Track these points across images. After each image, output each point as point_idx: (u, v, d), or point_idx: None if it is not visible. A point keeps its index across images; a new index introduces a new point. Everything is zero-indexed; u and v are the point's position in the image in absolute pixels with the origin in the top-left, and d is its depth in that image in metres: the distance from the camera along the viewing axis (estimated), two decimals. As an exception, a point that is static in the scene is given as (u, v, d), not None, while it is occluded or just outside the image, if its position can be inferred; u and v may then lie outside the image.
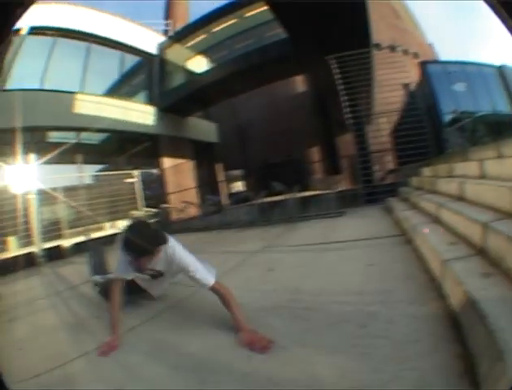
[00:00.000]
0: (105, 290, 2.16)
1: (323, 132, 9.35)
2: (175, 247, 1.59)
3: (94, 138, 8.11)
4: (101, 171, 7.87)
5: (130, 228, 1.54)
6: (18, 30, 6.83)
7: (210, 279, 1.47)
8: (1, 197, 5.19)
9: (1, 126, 5.69)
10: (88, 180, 7.32)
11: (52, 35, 7.63)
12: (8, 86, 6.48)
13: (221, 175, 9.57)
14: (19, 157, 5.74)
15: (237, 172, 10.01)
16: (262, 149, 9.76)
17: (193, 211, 6.52)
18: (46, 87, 7.12)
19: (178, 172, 7.71)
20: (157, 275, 1.73)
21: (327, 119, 9.12)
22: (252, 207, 5.22)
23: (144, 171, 7.55)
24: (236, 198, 5.51)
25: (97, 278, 2.57)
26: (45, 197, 5.69)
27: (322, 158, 8.77)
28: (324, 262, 2.16)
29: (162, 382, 1.09)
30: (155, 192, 7.56)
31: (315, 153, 9.35)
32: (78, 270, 3.65)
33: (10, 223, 5.13)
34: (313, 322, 1.28)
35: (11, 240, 5.29)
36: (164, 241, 1.54)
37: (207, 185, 8.28)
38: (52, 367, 1.34)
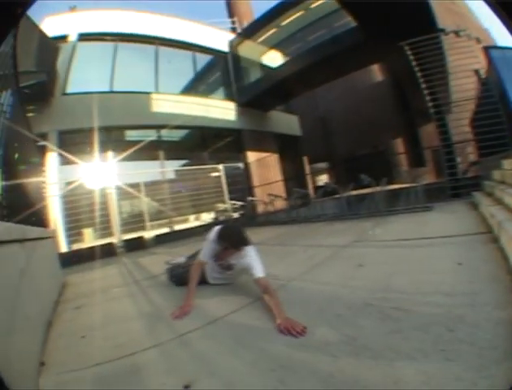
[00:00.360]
0: (175, 276, 2.68)
1: (405, 122, 8.64)
2: (252, 250, 1.98)
3: (175, 135, 8.42)
4: (184, 166, 8.15)
5: (230, 226, 2.05)
6: (65, 37, 7.24)
7: (260, 273, 1.83)
8: (81, 192, 5.65)
9: (79, 126, 6.21)
10: (171, 175, 7.60)
11: (113, 40, 7.97)
12: (70, 90, 6.83)
13: (306, 168, 9.57)
14: (100, 155, 6.22)
15: (323, 165, 9.85)
16: (346, 141, 9.44)
17: (279, 204, 6.68)
18: (116, 89, 7.40)
19: (262, 166, 7.85)
20: (228, 267, 2.18)
21: (408, 109, 8.42)
22: (339, 200, 5.19)
23: (228, 164, 7.73)
24: (323, 191, 5.53)
25: (169, 264, 3.09)
26: (128, 192, 6.01)
27: (406, 150, 8.07)
28: (414, 258, 2.10)
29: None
30: (240, 185, 7.75)
31: (399, 145, 8.66)
32: (157, 261, 3.97)
33: (88, 217, 5.64)
34: (402, 324, 1.28)
35: (88, 232, 5.85)
36: (249, 244, 1.98)
37: (293, 179, 8.30)
38: (112, 358, 1.43)
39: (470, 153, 4.71)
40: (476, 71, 4.57)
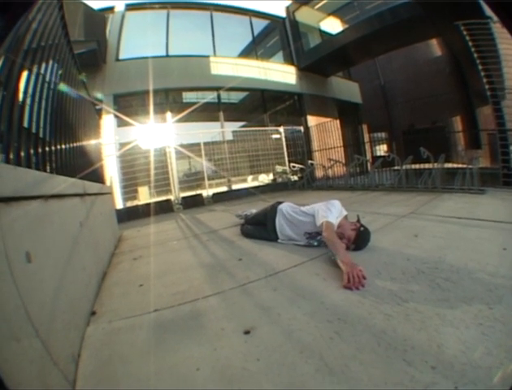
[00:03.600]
0: (250, 221, 2.87)
1: (463, 101, 7.83)
2: None
3: (234, 97, 8.32)
4: (245, 127, 7.88)
5: (368, 232, 2.10)
6: (111, 8, 6.95)
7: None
8: (138, 152, 5.59)
9: (134, 89, 6.19)
10: (231, 136, 7.37)
11: (163, 7, 7.70)
12: (123, 56, 6.66)
13: (366, 137, 9.20)
14: (156, 116, 6.09)
15: (382, 135, 9.39)
16: (405, 113, 8.91)
17: (338, 170, 6.58)
18: (172, 53, 7.16)
19: (323, 130, 7.62)
20: (313, 237, 2.27)
21: (466, 88, 7.74)
22: (397, 172, 5.05)
23: (288, 127, 7.58)
24: (382, 160, 5.41)
25: (240, 217, 3.28)
26: (187, 151, 5.94)
27: (464, 130, 7.35)
28: (465, 236, 2.09)
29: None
30: (300, 148, 7.59)
31: (457, 124, 7.90)
32: (215, 217, 4.06)
33: (145, 175, 5.57)
34: (449, 294, 1.35)
35: (143, 190, 5.75)
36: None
37: (353, 145, 8.02)
38: (170, 305, 1.47)
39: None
40: None
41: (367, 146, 8.66)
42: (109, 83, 6.49)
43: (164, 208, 5.26)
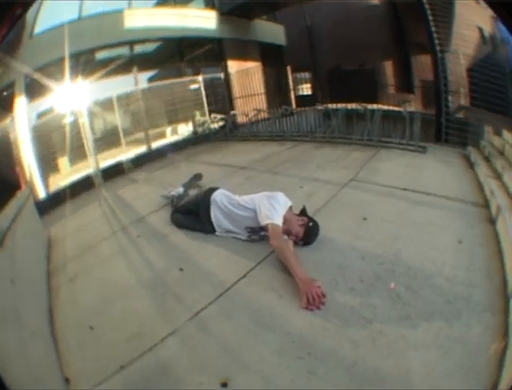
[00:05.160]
0: (180, 211, 2.57)
1: (396, 48, 8.11)
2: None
3: (149, 49, 7.66)
4: (160, 78, 7.42)
5: (316, 226, 1.97)
6: None
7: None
8: (52, 123, 5.10)
9: (46, 61, 5.52)
10: (146, 89, 6.83)
11: None
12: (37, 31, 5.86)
13: (291, 79, 9.07)
14: (71, 81, 5.37)
15: (306, 75, 9.37)
16: (332, 54, 8.81)
17: (262, 116, 6.35)
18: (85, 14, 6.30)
19: (245, 76, 7.23)
20: (256, 232, 2.08)
21: (402, 36, 7.79)
22: (322, 114, 4.99)
23: (208, 76, 7.23)
24: (304, 100, 5.29)
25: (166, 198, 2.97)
26: (101, 109, 5.58)
27: (394, 74, 7.76)
28: (415, 220, 2.10)
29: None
30: (221, 97, 7.25)
31: (388, 68, 8.22)
32: (140, 192, 3.75)
33: (62, 146, 5.03)
34: (410, 309, 1.35)
35: (63, 162, 5.16)
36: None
37: (277, 93, 7.83)
38: (131, 357, 1.33)
39: (462, 97, 4.59)
40: (480, 29, 4.19)
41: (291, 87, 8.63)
42: (22, 63, 5.60)
43: (86, 185, 4.80)
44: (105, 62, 6.12)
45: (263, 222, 1.91)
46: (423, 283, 1.54)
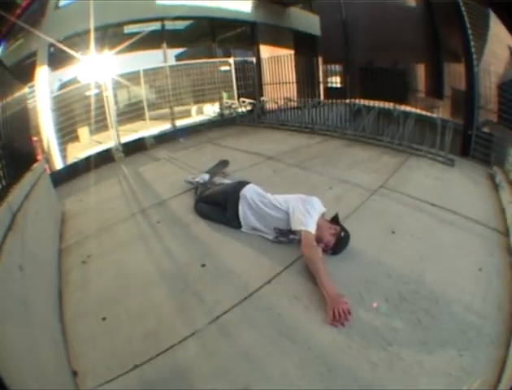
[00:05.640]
0: (204, 201, 2.55)
1: (430, 51, 7.65)
2: None
3: (179, 26, 7.41)
4: (189, 57, 7.24)
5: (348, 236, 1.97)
6: None
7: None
8: (75, 92, 5.05)
9: (72, 32, 5.48)
10: (175, 66, 6.69)
11: None
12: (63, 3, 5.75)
13: (322, 71, 8.89)
14: (96, 50, 5.42)
15: (337, 68, 9.10)
16: (366, 50, 8.50)
17: (291, 105, 6.22)
18: None
19: (276, 63, 7.01)
20: (285, 234, 2.10)
21: (436, 40, 7.31)
22: (353, 109, 4.83)
23: (239, 59, 7.01)
24: (333, 93, 5.17)
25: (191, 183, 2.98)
26: (125, 85, 5.43)
27: (425, 78, 7.40)
28: (442, 241, 2.08)
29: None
30: (251, 81, 7.13)
31: (420, 71, 7.82)
32: (162, 172, 3.66)
33: (84, 116, 5.03)
34: (428, 334, 1.40)
35: (83, 131, 5.12)
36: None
37: (308, 83, 7.66)
38: (147, 357, 1.32)
39: (490, 112, 4.40)
40: (510, 48, 4.05)
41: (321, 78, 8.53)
42: (46, 33, 5.40)
43: (105, 159, 4.68)
44: (133, 37, 5.88)
45: (297, 227, 1.90)
46: (443, 309, 1.57)
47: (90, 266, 2.11)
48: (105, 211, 2.85)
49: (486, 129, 4.01)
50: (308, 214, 1.90)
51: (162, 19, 6.52)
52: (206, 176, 3.02)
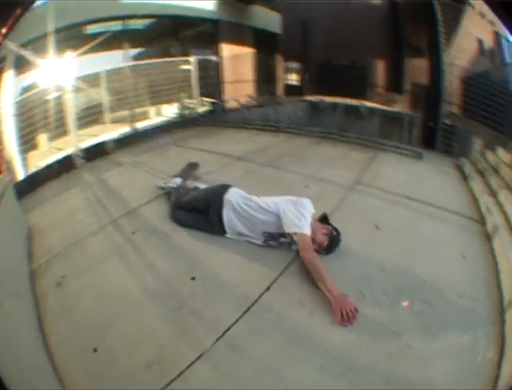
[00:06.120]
0: (180, 207, 2.43)
1: (391, 48, 8.45)
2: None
3: (139, 25, 7.30)
4: (151, 56, 7.06)
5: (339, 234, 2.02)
6: None
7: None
8: (35, 98, 4.70)
9: (33, 36, 4.90)
10: (135, 66, 6.54)
11: None
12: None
13: (282, 68, 8.92)
14: (56, 53, 4.97)
15: (297, 65, 9.56)
16: (325, 48, 9.08)
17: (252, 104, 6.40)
18: None
19: (237, 61, 7.22)
20: (275, 238, 2.09)
21: (398, 37, 8.09)
22: (312, 106, 5.06)
23: (201, 57, 6.99)
24: (292, 90, 5.36)
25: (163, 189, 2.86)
26: (84, 87, 5.05)
27: (385, 74, 8.16)
28: (423, 233, 2.26)
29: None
30: (212, 80, 7.15)
31: (380, 67, 8.60)
32: (127, 178, 3.50)
33: (44, 122, 4.73)
34: (430, 321, 1.52)
35: (42, 138, 4.83)
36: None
37: (268, 80, 7.87)
38: None
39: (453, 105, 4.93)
40: (480, 41, 4.48)
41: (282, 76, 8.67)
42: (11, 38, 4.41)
43: (66, 166, 4.43)
44: (93, 37, 5.60)
45: (291, 229, 1.88)
46: (438, 297, 1.72)
47: (67, 288, 1.88)
48: (73, 224, 2.60)
49: (449, 121, 4.46)
50: (302, 215, 1.90)
51: (125, 18, 6.40)
52: (179, 180, 2.89)
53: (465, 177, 3.24)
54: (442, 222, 2.45)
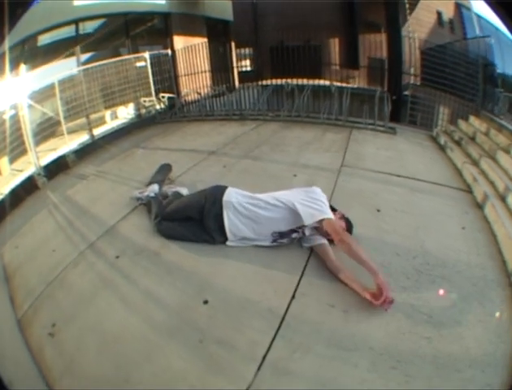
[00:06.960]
0: (168, 217, 2.27)
1: (345, 26, 8.81)
2: None
3: (92, 27, 7.04)
4: (105, 58, 6.72)
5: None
6: None
7: None
8: None
9: None
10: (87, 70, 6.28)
11: None
12: None
13: (235, 55, 9.41)
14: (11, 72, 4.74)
15: (249, 51, 9.35)
16: (276, 31, 9.17)
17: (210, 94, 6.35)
18: None
19: (191, 52, 7.16)
20: (289, 235, 2.06)
21: (352, 15, 8.64)
22: (274, 91, 5.09)
23: (155, 52, 6.91)
24: (246, 77, 5.33)
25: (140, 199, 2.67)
26: (40, 100, 5.00)
27: (340, 51, 8.49)
28: (422, 209, 2.42)
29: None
30: (168, 75, 7.05)
31: (334, 45, 8.88)
32: (92, 194, 3.22)
33: (2, 144, 4.36)
34: (452, 297, 1.68)
35: (3, 162, 4.54)
36: None
37: (222, 69, 8.04)
38: None
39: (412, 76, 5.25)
40: (439, 13, 4.76)
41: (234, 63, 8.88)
42: None
43: (28, 188, 4.13)
44: (45, 48, 5.57)
45: (315, 218, 1.81)
46: (452, 271, 1.86)
47: (61, 338, 1.62)
48: (47, 257, 2.25)
49: (408, 93, 4.75)
50: (320, 202, 1.87)
51: (78, 21, 6.25)
52: (156, 187, 2.67)
53: (441, 147, 3.46)
54: (434, 195, 2.62)
